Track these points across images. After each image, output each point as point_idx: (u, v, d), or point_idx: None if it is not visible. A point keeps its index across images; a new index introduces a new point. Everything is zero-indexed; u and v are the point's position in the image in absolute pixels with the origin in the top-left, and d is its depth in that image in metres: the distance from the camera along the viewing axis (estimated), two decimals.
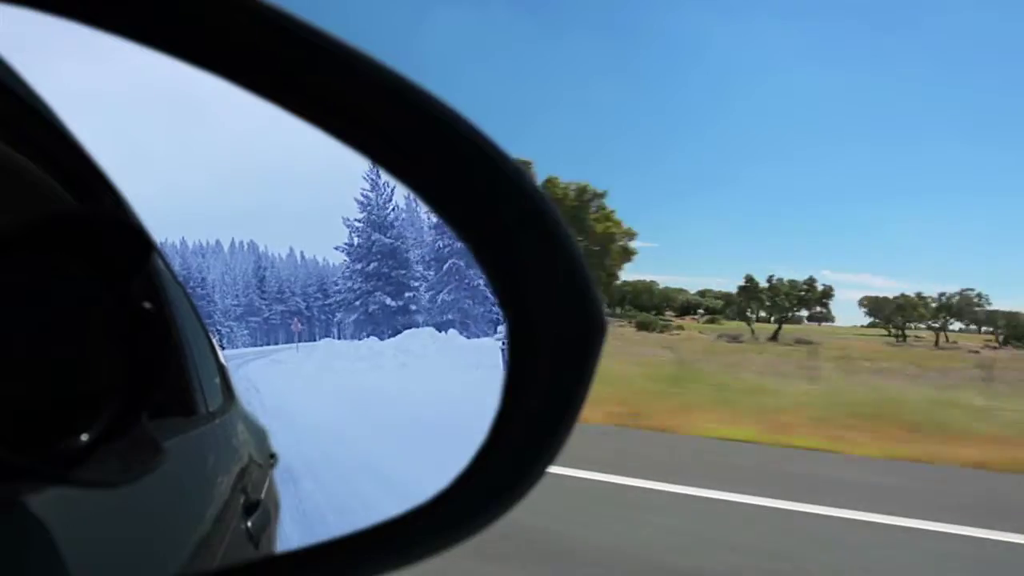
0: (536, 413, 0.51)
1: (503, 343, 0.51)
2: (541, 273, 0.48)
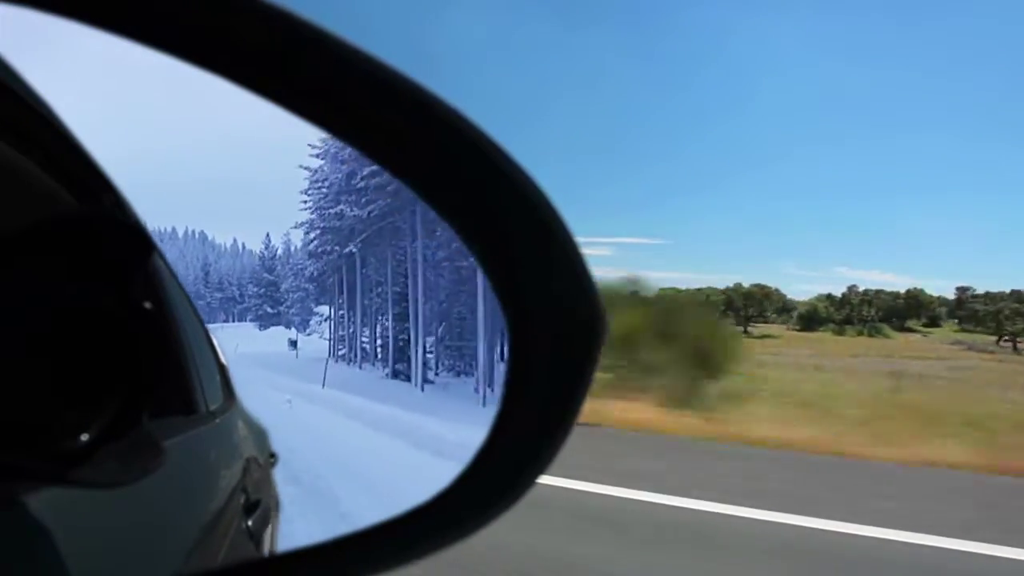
0: (536, 415, 0.51)
1: (505, 343, 0.51)
2: (540, 272, 0.48)
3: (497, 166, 0.45)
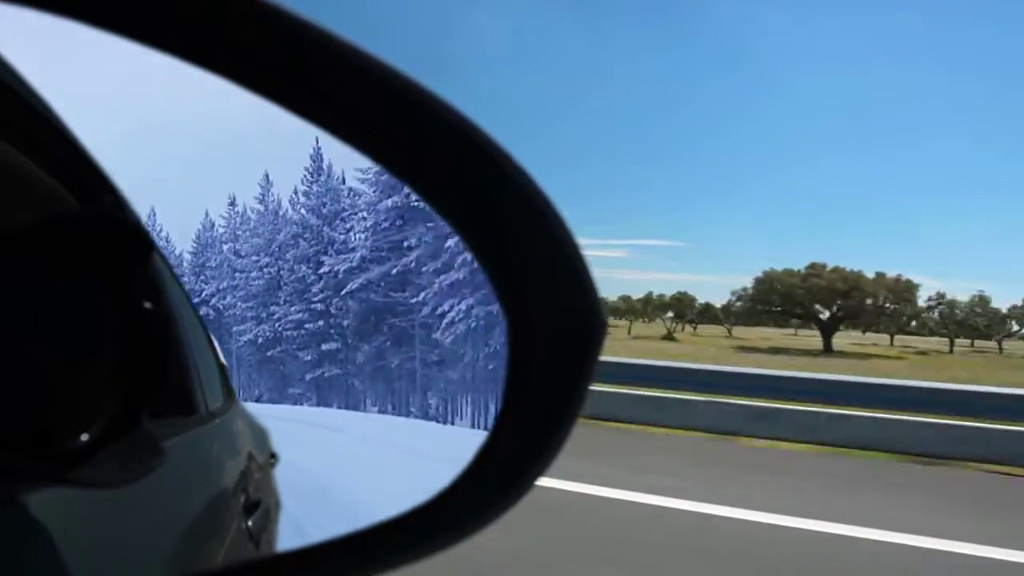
0: (537, 414, 0.51)
1: (504, 343, 0.51)
2: (541, 272, 0.48)
3: (497, 166, 0.45)
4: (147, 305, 0.42)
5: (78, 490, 0.42)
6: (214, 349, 1.39)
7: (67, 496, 0.45)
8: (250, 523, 1.00)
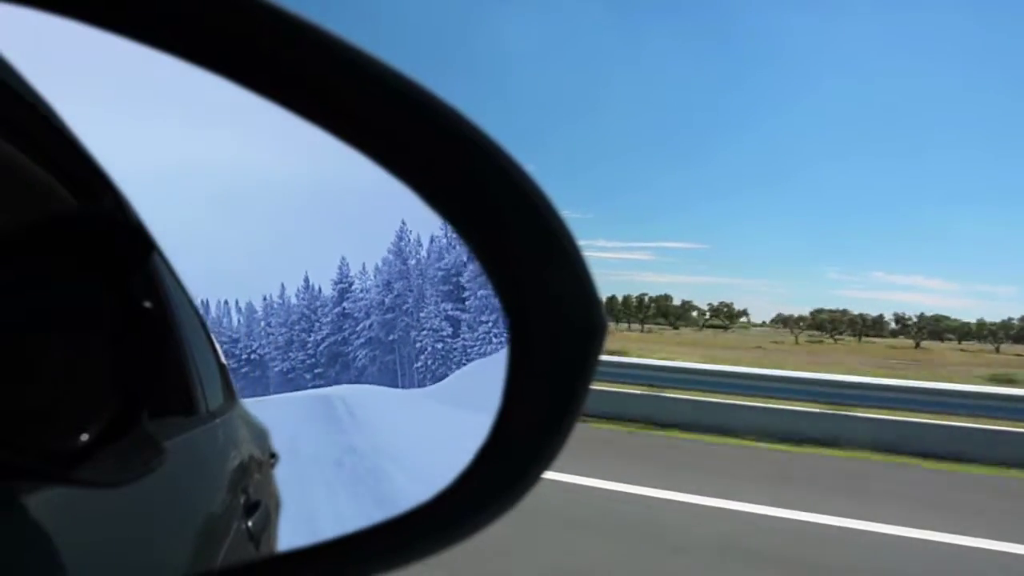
0: (536, 414, 0.51)
1: (504, 343, 0.51)
2: (541, 274, 0.48)
3: (496, 165, 0.45)
4: (147, 305, 0.42)
5: (78, 490, 0.42)
6: (214, 349, 1.39)
7: (67, 496, 0.45)
8: (250, 523, 1.00)
